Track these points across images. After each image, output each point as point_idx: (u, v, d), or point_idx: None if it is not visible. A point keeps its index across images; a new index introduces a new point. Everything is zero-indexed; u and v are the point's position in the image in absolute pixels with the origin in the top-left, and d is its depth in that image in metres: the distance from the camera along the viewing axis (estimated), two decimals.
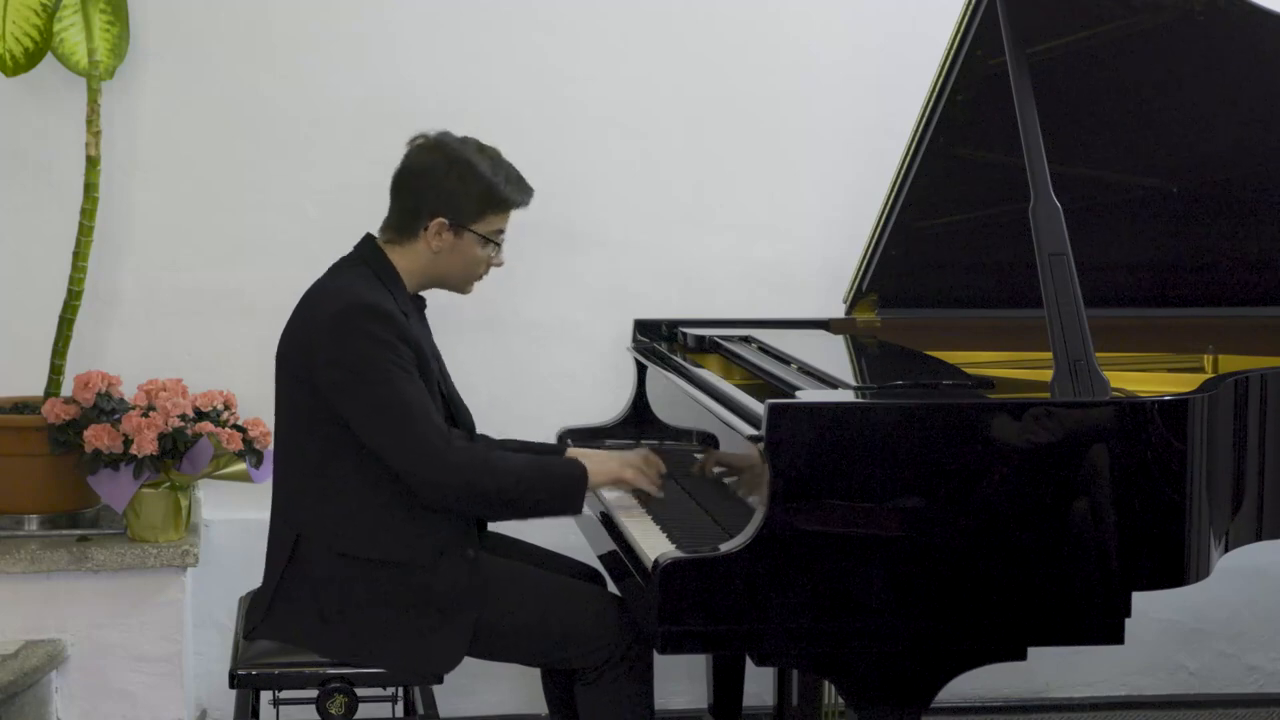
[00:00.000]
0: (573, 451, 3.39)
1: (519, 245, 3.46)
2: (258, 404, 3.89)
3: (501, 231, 3.22)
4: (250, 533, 3.62)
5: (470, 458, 3.05)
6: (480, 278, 3.27)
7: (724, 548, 2.80)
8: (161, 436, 3.81)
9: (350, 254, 3.24)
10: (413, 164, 3.19)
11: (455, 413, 3.30)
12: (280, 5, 4.21)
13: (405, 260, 3.19)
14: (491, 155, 3.20)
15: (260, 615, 3.15)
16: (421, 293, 3.26)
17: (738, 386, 3.22)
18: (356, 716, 3.09)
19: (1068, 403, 2.89)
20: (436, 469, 3.01)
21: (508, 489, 3.05)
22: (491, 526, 3.42)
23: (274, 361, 3.18)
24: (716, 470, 3.22)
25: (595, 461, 3.20)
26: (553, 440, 3.82)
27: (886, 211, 3.81)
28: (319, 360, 3.05)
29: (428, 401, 3.06)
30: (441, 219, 3.14)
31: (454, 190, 3.14)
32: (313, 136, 4.23)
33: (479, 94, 4.23)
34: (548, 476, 3.13)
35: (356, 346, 3.02)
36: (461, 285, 3.26)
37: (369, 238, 3.23)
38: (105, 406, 3.89)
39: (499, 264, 3.26)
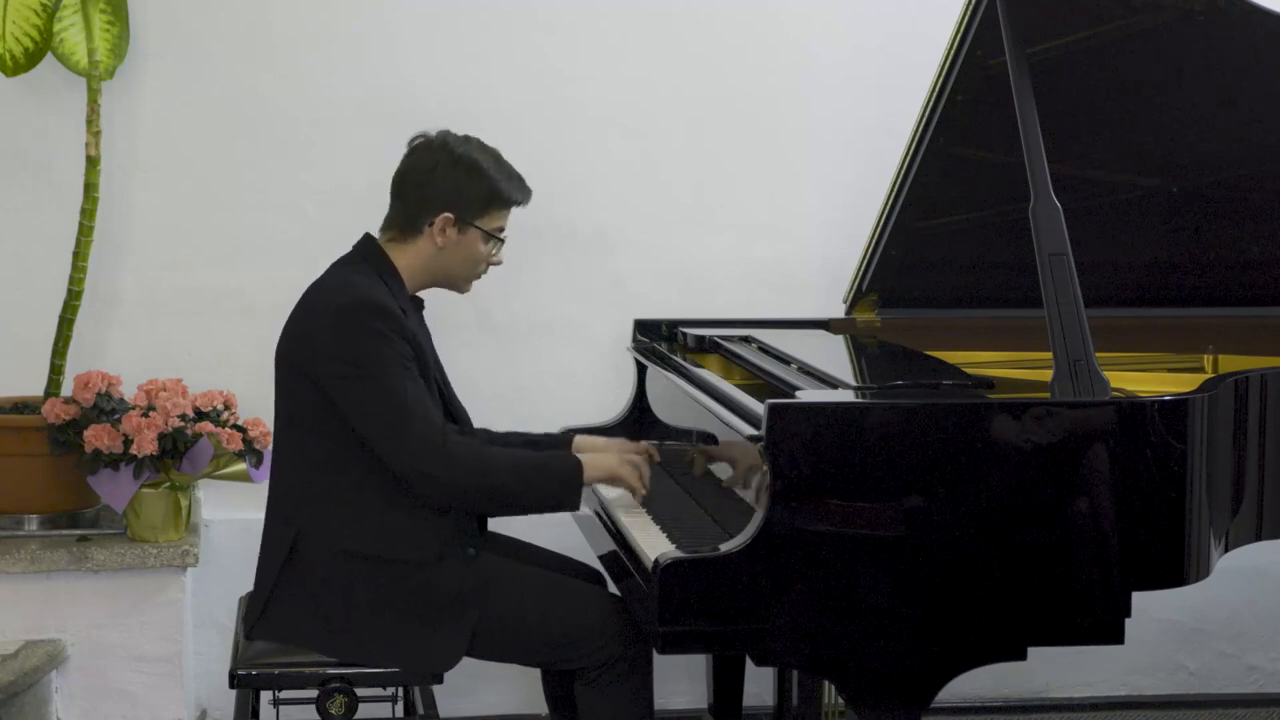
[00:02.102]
0: (580, 441, 3.41)
1: (519, 245, 3.47)
2: (258, 404, 3.89)
3: (502, 229, 3.25)
4: (250, 533, 3.60)
5: (466, 453, 3.06)
6: (479, 276, 3.28)
7: (724, 548, 2.80)
8: (161, 436, 3.81)
9: (350, 253, 3.25)
10: (417, 163, 3.22)
11: (452, 412, 3.30)
12: (280, 5, 4.21)
13: (407, 259, 3.20)
14: (493, 154, 3.24)
15: (257, 615, 3.15)
16: (420, 294, 3.28)
17: (738, 386, 3.22)
18: (356, 716, 3.08)
19: (1068, 403, 2.89)
20: (432, 465, 3.01)
21: (503, 485, 3.07)
22: (492, 525, 3.42)
23: (274, 360, 3.18)
24: (714, 468, 3.22)
25: (592, 456, 3.21)
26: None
27: (886, 211, 3.81)
28: (320, 355, 3.05)
29: (426, 399, 3.07)
30: (448, 214, 3.17)
31: (459, 187, 3.17)
32: (313, 136, 4.23)
33: (479, 94, 4.23)
34: (544, 473, 3.13)
35: (357, 342, 3.03)
36: (461, 283, 3.28)
37: (368, 237, 3.25)
38: (105, 406, 3.89)
39: (498, 263, 3.28)
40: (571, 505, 3.16)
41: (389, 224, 3.23)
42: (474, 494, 3.07)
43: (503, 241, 3.26)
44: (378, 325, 3.04)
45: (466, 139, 3.23)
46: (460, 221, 3.18)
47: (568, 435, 3.52)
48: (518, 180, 3.25)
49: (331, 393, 3.05)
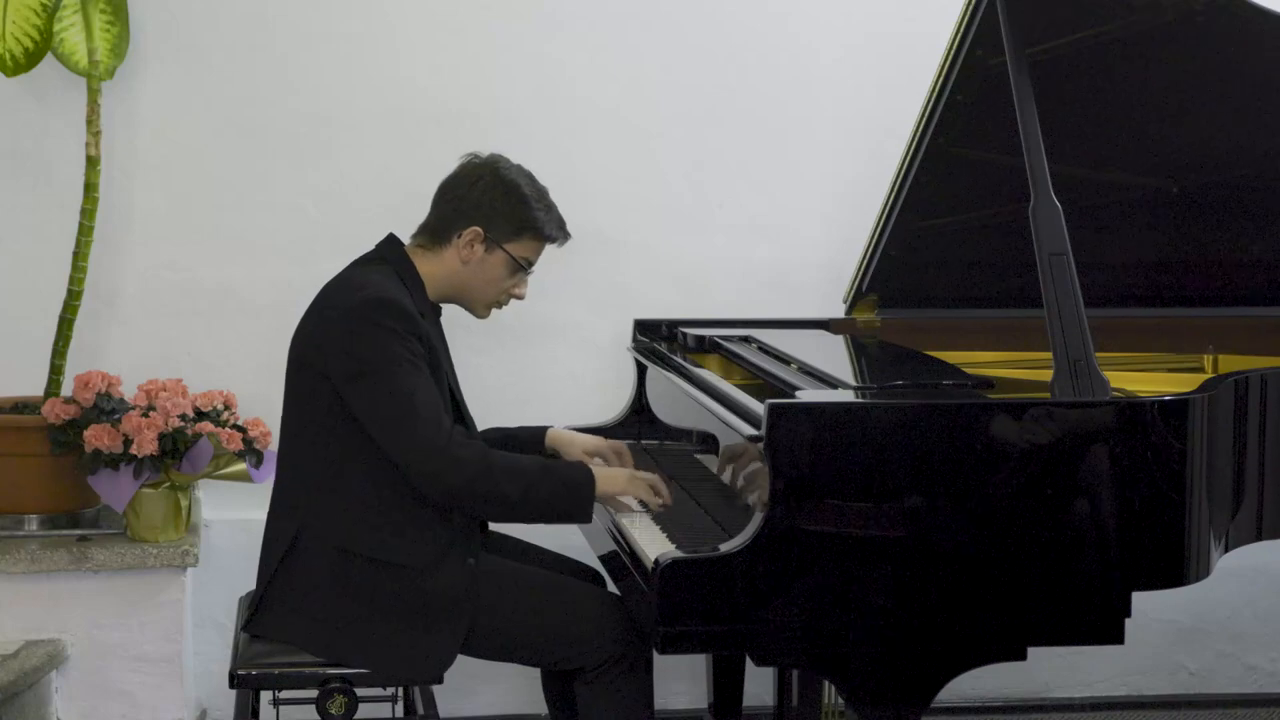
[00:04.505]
0: (554, 435, 3.41)
1: None
2: (258, 404, 3.90)
3: (531, 263, 3.25)
4: (250, 533, 3.61)
5: (474, 455, 3.04)
6: (500, 305, 3.29)
7: (724, 548, 2.80)
8: (161, 436, 3.81)
9: (370, 252, 3.25)
10: (462, 174, 3.24)
11: (463, 417, 3.29)
12: (280, 5, 4.21)
13: (430, 267, 3.20)
14: (540, 189, 3.26)
15: (253, 610, 3.15)
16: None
17: (738, 386, 3.22)
18: (356, 716, 3.08)
19: (1068, 403, 2.89)
20: (437, 465, 3.01)
21: (512, 491, 3.04)
22: (493, 526, 3.42)
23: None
24: (715, 468, 3.22)
25: (605, 471, 3.20)
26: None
27: (886, 211, 3.82)
28: (333, 352, 3.05)
29: (436, 398, 3.06)
30: (477, 229, 3.17)
31: (495, 205, 3.19)
32: (313, 136, 4.22)
33: (479, 94, 4.23)
34: (553, 483, 3.11)
35: (370, 339, 3.03)
36: (479, 306, 3.27)
37: (392, 238, 3.25)
38: (105, 406, 3.89)
39: (520, 296, 3.28)
40: (582, 518, 3.14)
41: (421, 229, 3.24)
42: (478, 498, 3.05)
43: (528, 274, 3.26)
44: (390, 323, 3.04)
45: (519, 167, 3.26)
46: (489, 240, 3.18)
47: (544, 429, 3.50)
48: (557, 218, 3.26)
49: (342, 390, 3.04)
